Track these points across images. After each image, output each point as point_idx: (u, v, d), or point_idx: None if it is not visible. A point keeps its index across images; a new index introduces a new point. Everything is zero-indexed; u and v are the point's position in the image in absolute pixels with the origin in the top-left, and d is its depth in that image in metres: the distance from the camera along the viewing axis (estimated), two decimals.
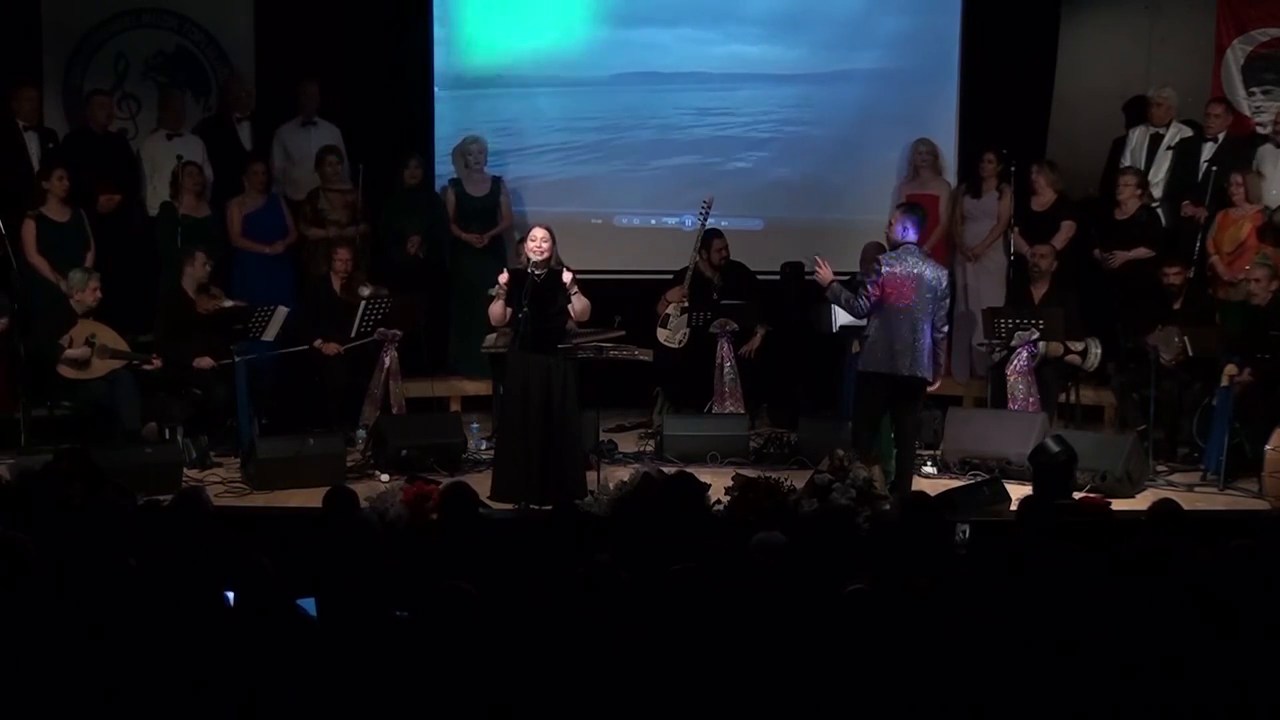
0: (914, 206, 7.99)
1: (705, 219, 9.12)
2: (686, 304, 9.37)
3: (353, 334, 8.95)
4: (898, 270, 7.63)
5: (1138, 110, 10.08)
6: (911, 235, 7.71)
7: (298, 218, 9.73)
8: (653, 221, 10.47)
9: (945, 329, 7.96)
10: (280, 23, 10.14)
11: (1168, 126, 9.84)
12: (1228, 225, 9.27)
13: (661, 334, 9.38)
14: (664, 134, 10.53)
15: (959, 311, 9.99)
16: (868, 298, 7.68)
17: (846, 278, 8.38)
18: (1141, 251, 9.41)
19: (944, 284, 7.79)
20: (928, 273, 7.68)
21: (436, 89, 10.36)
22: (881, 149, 10.46)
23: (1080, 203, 9.89)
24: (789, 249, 10.00)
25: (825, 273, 7.85)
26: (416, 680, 4.21)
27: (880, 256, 7.82)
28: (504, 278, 7.50)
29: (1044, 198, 9.69)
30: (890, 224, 7.86)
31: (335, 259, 9.24)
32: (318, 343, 8.96)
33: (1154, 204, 9.69)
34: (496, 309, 7.59)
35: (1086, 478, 7.74)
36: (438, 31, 10.34)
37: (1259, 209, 9.23)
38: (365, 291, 9.02)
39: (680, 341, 9.40)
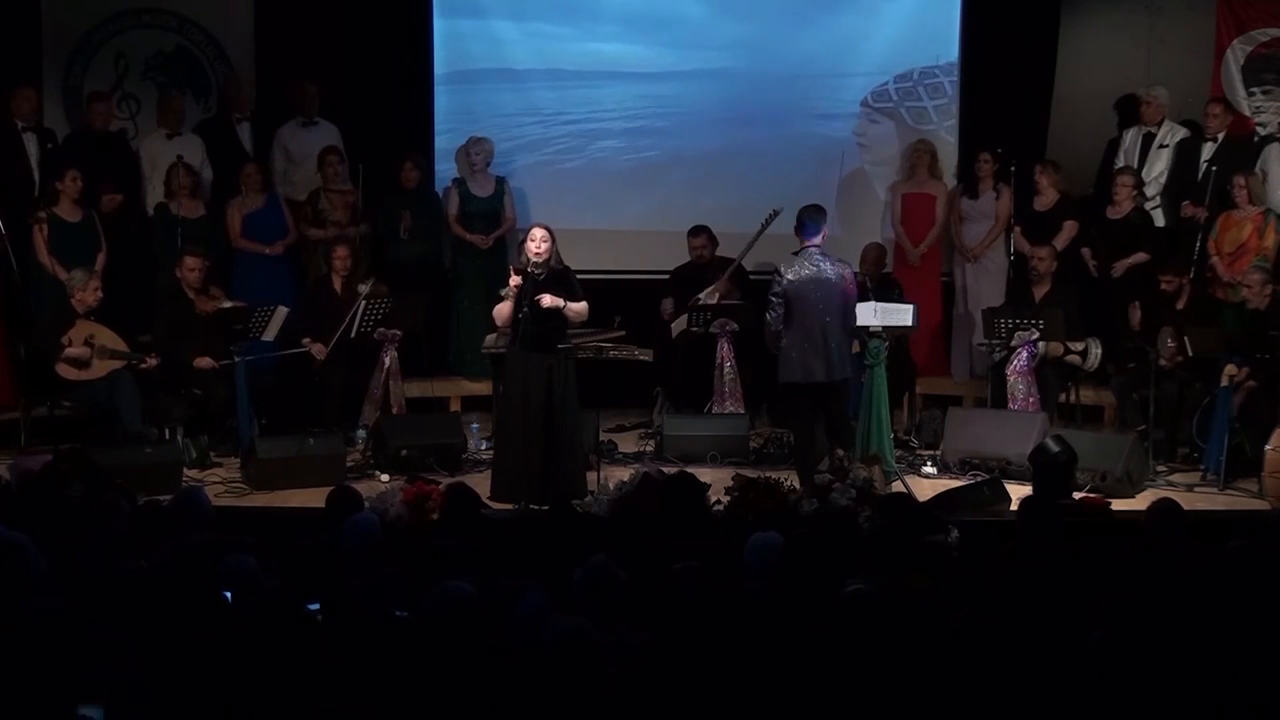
0: (813, 208, 7.92)
1: (766, 226, 9.08)
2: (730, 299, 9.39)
3: (352, 334, 8.95)
4: (803, 276, 7.65)
5: (1130, 110, 10.08)
6: (813, 238, 7.72)
7: (298, 218, 9.74)
8: (645, 226, 10.47)
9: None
10: (280, 23, 10.14)
11: (1160, 125, 9.85)
12: (1229, 226, 9.28)
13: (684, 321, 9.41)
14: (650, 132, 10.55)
15: (959, 311, 10.02)
16: (774, 310, 7.70)
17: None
18: (1140, 256, 9.41)
19: (849, 279, 7.81)
20: (830, 272, 7.69)
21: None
22: (881, 150, 10.47)
23: (1081, 202, 9.90)
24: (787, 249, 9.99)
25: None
26: (416, 680, 4.21)
27: (779, 266, 7.80)
28: (515, 280, 7.46)
29: (1046, 198, 9.70)
30: (797, 227, 7.86)
31: (334, 257, 9.24)
32: (305, 342, 8.96)
33: (1146, 203, 9.69)
34: (504, 309, 7.58)
35: (1086, 478, 7.74)
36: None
37: (1261, 210, 9.23)
38: (364, 289, 9.02)
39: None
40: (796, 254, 7.75)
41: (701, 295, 9.35)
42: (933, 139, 10.25)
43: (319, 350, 8.92)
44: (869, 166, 10.51)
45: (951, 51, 10.43)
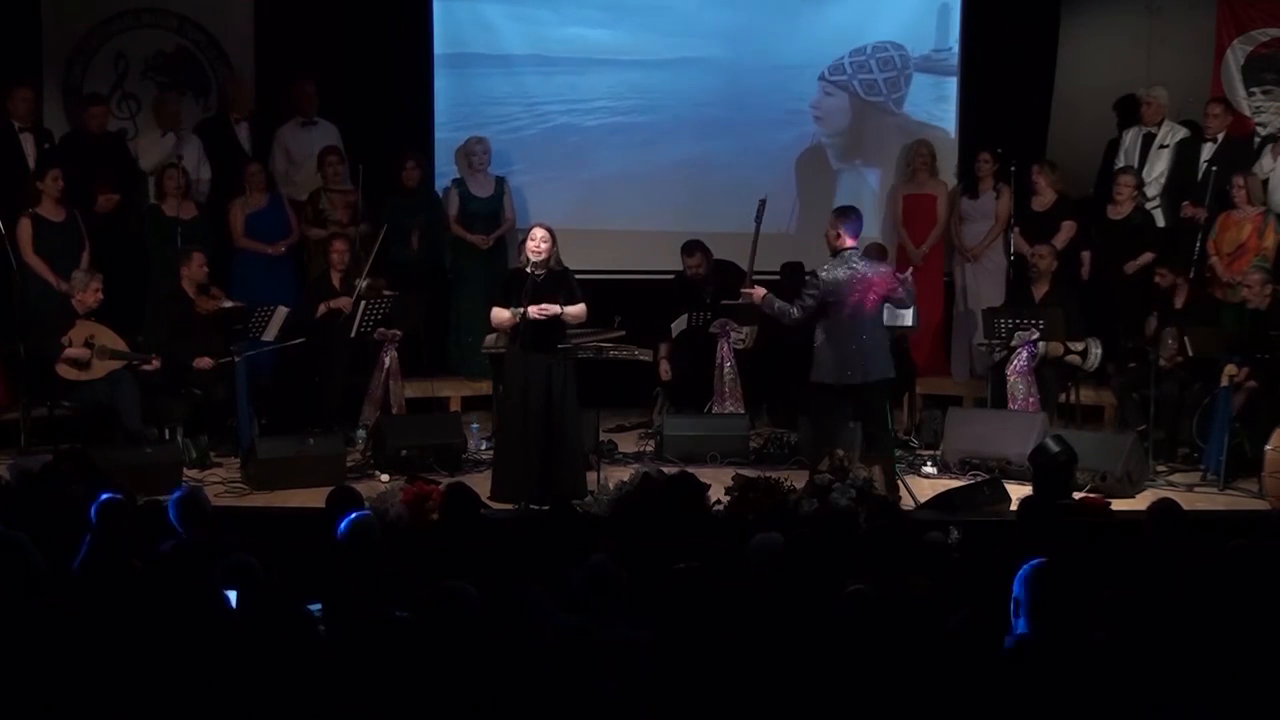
0: (848, 210, 7.90)
1: (760, 218, 9.02)
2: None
3: (352, 333, 8.95)
4: (841, 277, 7.56)
5: (1129, 110, 10.09)
6: (849, 241, 7.66)
7: (299, 218, 9.74)
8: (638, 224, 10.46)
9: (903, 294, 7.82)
10: (280, 23, 10.13)
11: (1160, 125, 9.85)
12: (1229, 227, 9.28)
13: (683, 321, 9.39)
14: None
15: (959, 311, 10.02)
16: (802, 308, 7.61)
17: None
18: (1148, 257, 9.40)
19: (889, 274, 7.73)
20: (869, 273, 7.63)
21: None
22: (880, 150, 10.47)
23: (1080, 202, 9.90)
24: (786, 250, 10.00)
25: (758, 292, 7.79)
26: (417, 680, 4.21)
27: (817, 269, 7.73)
28: (524, 311, 7.42)
29: (1044, 198, 9.70)
30: (828, 231, 7.77)
31: (332, 252, 9.23)
32: (323, 308, 8.96)
33: (1147, 204, 9.70)
34: (501, 313, 7.56)
35: (1086, 478, 7.74)
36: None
37: (1260, 211, 9.24)
38: (362, 284, 9.02)
39: (743, 342, 9.39)
40: (834, 256, 7.70)
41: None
42: (881, 111, 10.31)
43: (344, 303, 8.91)
44: (824, 139, 10.54)
45: (928, 45, 10.45)
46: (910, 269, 8.42)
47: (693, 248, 9.67)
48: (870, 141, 10.53)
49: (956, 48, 10.45)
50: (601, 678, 4.14)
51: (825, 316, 7.60)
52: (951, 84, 10.51)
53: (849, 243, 7.64)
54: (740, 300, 8.21)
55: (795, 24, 10.47)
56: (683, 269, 9.71)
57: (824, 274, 7.59)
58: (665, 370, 9.46)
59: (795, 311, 7.67)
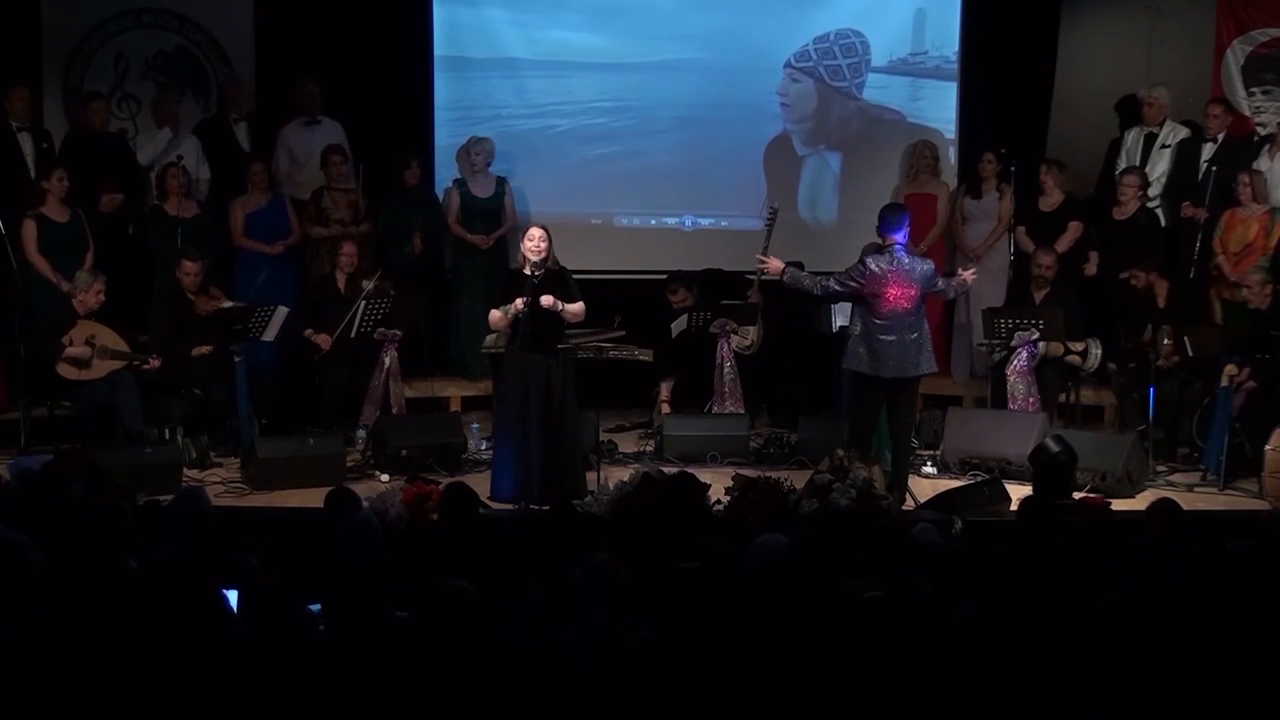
0: (895, 206, 7.95)
1: (772, 224, 9.01)
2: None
3: (352, 334, 8.94)
4: (885, 270, 7.55)
5: (1131, 110, 10.09)
6: (893, 236, 7.64)
7: (302, 217, 9.73)
8: (651, 221, 10.47)
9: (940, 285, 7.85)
10: (280, 23, 10.14)
11: (1162, 126, 9.84)
12: (1235, 225, 9.27)
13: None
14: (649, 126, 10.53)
15: (959, 312, 10.01)
16: (840, 282, 7.61)
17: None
18: None
19: (932, 272, 7.74)
20: (914, 270, 7.62)
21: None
22: (880, 149, 10.47)
23: (1085, 202, 9.90)
24: (783, 249, 9.98)
25: (775, 264, 7.85)
26: (417, 680, 4.21)
27: (866, 258, 7.74)
28: (519, 302, 7.44)
29: (1052, 198, 9.68)
30: (878, 226, 7.77)
31: (341, 254, 9.23)
32: (308, 333, 8.96)
33: (1150, 203, 9.70)
34: (498, 316, 7.57)
35: (1086, 478, 7.74)
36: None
37: (1266, 209, 9.23)
38: (368, 286, 9.01)
39: (749, 349, 9.39)
40: (880, 250, 7.67)
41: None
42: (845, 96, 10.32)
43: (324, 340, 8.91)
44: (790, 125, 10.52)
45: (904, 49, 10.47)
46: (972, 270, 8.37)
47: (675, 283, 9.67)
48: (834, 126, 10.53)
49: (933, 52, 10.44)
50: (620, 678, 4.14)
51: (864, 307, 7.61)
52: (930, 85, 10.49)
53: (893, 238, 7.62)
54: (757, 271, 8.10)
55: (787, 23, 10.45)
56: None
57: (872, 264, 7.58)
58: (665, 410, 9.43)
59: (832, 283, 7.67)
